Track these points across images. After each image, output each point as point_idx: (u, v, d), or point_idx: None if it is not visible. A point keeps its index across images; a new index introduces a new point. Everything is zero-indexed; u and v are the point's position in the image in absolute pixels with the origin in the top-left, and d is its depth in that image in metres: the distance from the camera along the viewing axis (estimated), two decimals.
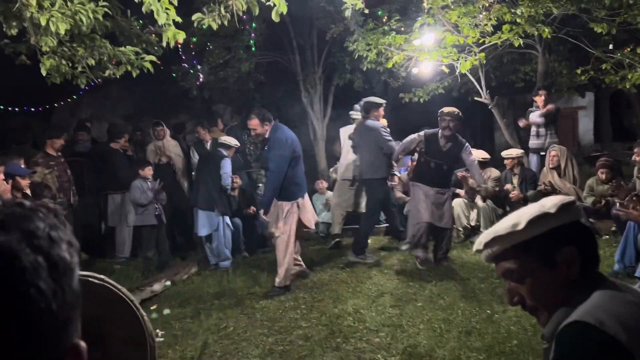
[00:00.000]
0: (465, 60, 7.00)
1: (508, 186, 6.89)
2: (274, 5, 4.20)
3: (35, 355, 0.45)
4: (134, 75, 4.80)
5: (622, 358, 1.03)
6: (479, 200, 6.73)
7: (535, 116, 7.44)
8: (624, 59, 7.07)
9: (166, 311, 4.97)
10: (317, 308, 4.78)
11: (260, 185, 7.95)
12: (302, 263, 5.66)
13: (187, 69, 9.85)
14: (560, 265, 1.23)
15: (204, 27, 4.57)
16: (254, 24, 9.12)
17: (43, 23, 3.89)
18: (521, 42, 6.83)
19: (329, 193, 7.73)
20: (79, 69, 4.67)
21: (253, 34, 9.43)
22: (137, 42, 5.14)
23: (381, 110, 6.42)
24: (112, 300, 1.38)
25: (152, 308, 5.12)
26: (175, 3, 4.15)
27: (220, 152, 6.50)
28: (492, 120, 12.07)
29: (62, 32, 3.96)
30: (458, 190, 6.84)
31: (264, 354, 3.96)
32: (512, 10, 6.50)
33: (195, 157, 7.56)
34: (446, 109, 5.61)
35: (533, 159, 7.44)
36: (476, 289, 4.93)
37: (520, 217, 1.27)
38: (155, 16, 4.04)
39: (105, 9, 4.30)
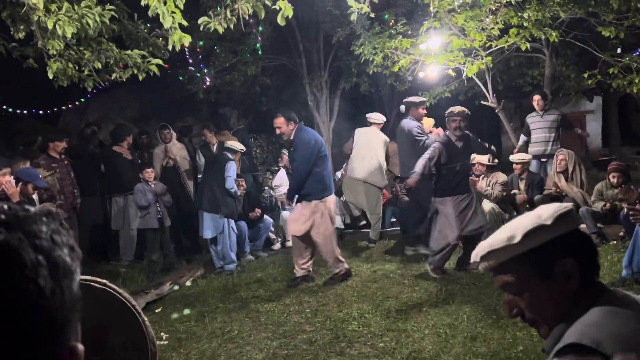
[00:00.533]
0: (472, 64, 6.97)
1: (515, 191, 6.86)
2: (280, 9, 4.20)
3: (30, 352, 0.45)
4: (141, 78, 4.81)
5: None
6: (485, 205, 6.69)
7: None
8: (632, 62, 7.02)
9: (186, 311, 5.01)
10: (322, 312, 4.77)
11: (266, 188, 7.96)
12: (310, 268, 5.66)
13: (194, 73, 9.89)
14: (559, 277, 1.20)
15: (210, 30, 4.58)
16: (260, 28, 9.14)
17: (50, 26, 3.91)
18: (528, 46, 6.80)
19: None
20: (86, 72, 4.70)
21: (259, 38, 9.45)
22: (143, 45, 5.16)
23: (421, 109, 6.53)
24: (114, 305, 1.37)
25: (157, 311, 5.13)
26: (182, 7, 4.17)
27: (226, 155, 6.51)
28: (498, 124, 12.04)
29: (69, 35, 3.98)
30: None
31: (268, 357, 3.95)
32: (519, 14, 6.47)
33: (201, 160, 7.58)
34: (455, 109, 5.62)
35: (533, 164, 7.39)
36: (482, 294, 4.90)
37: (515, 230, 1.24)
38: (161, 20, 4.06)
39: (112, 13, 4.32)
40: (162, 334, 4.40)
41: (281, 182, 7.77)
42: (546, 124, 7.29)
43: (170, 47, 4.35)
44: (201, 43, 8.74)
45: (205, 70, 9.70)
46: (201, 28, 4.53)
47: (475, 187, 6.64)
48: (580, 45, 7.79)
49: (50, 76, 4.43)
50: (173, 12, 4.05)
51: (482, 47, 7.04)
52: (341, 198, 7.62)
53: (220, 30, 4.49)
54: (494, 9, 6.63)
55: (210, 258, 6.52)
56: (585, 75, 7.71)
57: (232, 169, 6.36)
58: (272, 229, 7.43)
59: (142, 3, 4.03)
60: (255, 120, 12.57)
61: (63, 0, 4.10)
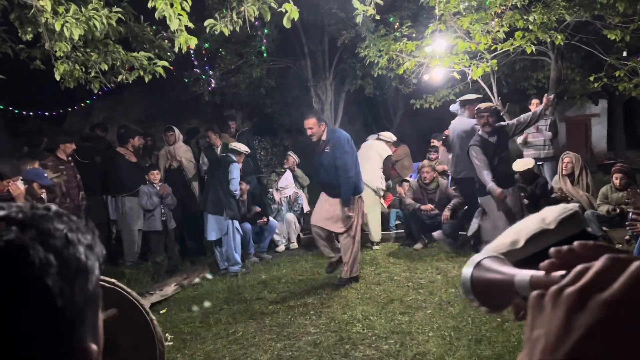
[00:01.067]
0: (477, 67, 6.97)
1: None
2: (286, 11, 4.22)
3: (37, 351, 0.46)
4: (147, 80, 4.84)
5: None
6: None
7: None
8: (638, 66, 7.00)
9: (194, 307, 5.04)
10: (326, 314, 4.77)
11: (271, 190, 7.97)
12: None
13: (199, 75, 9.92)
14: None
15: (216, 33, 4.60)
16: (265, 30, 9.17)
17: (57, 28, 3.94)
18: (533, 49, 6.79)
19: None
20: (92, 73, 4.72)
21: (265, 40, 9.48)
22: (149, 47, 5.19)
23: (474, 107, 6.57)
24: (123, 304, 1.38)
25: (161, 312, 5.14)
26: (188, 9, 4.19)
27: (230, 157, 6.52)
28: None
29: (76, 37, 4.00)
30: None
31: (272, 359, 3.95)
32: (525, 17, 6.47)
33: (205, 162, 7.60)
34: (482, 105, 5.69)
35: None
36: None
37: (519, 234, 1.23)
38: (168, 22, 4.08)
39: (119, 15, 4.35)
40: (167, 334, 4.41)
41: (287, 183, 7.78)
42: (542, 128, 7.34)
43: (176, 49, 4.38)
44: (207, 45, 8.77)
45: (211, 73, 9.74)
46: (207, 30, 4.54)
47: None
48: (586, 48, 7.77)
49: (57, 78, 4.46)
50: (179, 14, 4.08)
51: (487, 50, 7.04)
52: None
53: (226, 32, 4.51)
54: (499, 11, 6.63)
55: (214, 260, 6.53)
56: (592, 78, 7.70)
57: (235, 171, 6.37)
58: (277, 230, 7.44)
59: (149, 5, 4.06)
60: (260, 123, 12.60)
61: (70, 2, 4.13)
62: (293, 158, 8.35)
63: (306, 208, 8.10)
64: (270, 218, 7.38)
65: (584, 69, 9.36)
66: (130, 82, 4.92)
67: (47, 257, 0.47)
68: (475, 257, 0.70)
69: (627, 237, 5.79)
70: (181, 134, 7.64)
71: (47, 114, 10.80)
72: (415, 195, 7.13)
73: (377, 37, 8.13)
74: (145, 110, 12.34)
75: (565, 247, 0.55)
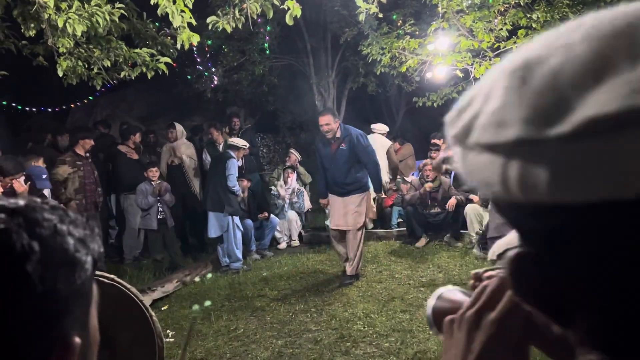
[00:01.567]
0: (480, 65, 6.95)
1: None
2: (288, 8, 4.21)
3: (12, 340, 0.45)
4: (149, 76, 4.85)
5: None
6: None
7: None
8: None
9: (195, 307, 5.04)
10: (327, 312, 4.78)
11: (273, 187, 7.97)
12: None
13: (202, 72, 9.93)
14: None
15: (219, 30, 4.60)
16: (268, 27, 9.16)
17: (60, 25, 3.95)
18: None
19: None
20: (95, 70, 4.73)
21: (267, 37, 9.47)
22: (152, 44, 5.20)
23: None
24: (122, 300, 1.38)
25: (163, 308, 5.16)
26: (190, 6, 4.19)
27: (228, 153, 6.50)
28: None
29: (79, 33, 4.01)
30: (472, 196, 6.80)
31: (273, 356, 3.96)
32: (528, 15, 6.44)
33: (207, 159, 7.60)
34: None
35: None
36: None
37: None
38: (170, 19, 4.08)
39: (122, 11, 4.36)
40: (168, 331, 4.42)
41: (292, 181, 7.82)
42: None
43: (179, 46, 4.38)
44: (209, 42, 8.76)
45: (213, 70, 9.74)
46: (210, 27, 4.55)
47: None
48: None
49: (60, 74, 4.47)
50: (182, 11, 4.08)
51: (490, 48, 7.01)
52: None
53: (229, 29, 4.51)
54: (502, 9, 6.60)
55: (216, 256, 6.54)
56: None
57: (232, 167, 6.33)
58: (278, 227, 7.44)
59: (152, 2, 4.06)
60: (262, 120, 12.60)
61: None
62: (295, 155, 8.35)
63: (308, 205, 8.11)
64: (272, 215, 7.38)
65: None
66: (133, 78, 4.92)
67: (30, 244, 0.47)
68: (438, 290, 0.72)
69: None
70: (184, 131, 7.64)
71: (49, 110, 10.83)
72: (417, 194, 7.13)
73: (380, 35, 8.12)
74: (148, 107, 12.35)
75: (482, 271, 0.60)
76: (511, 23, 6.62)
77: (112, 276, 1.39)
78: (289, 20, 4.26)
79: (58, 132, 7.13)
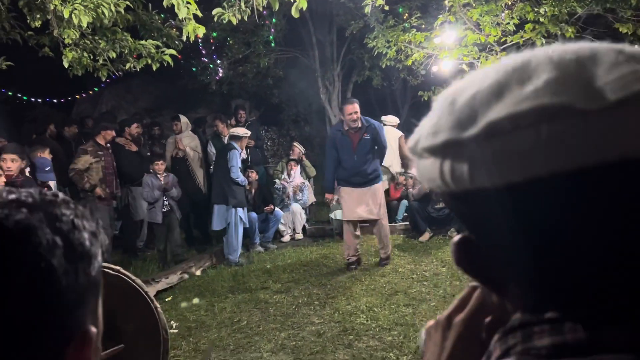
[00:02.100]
0: (487, 59, 6.91)
1: None
2: (294, 0, 4.19)
3: (39, 332, 0.47)
4: (154, 68, 4.84)
5: None
6: None
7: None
8: None
9: (195, 300, 5.08)
10: (330, 305, 4.79)
11: (277, 180, 7.98)
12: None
13: (207, 64, 9.91)
14: None
15: (224, 22, 4.59)
16: (274, 19, 9.13)
17: (66, 15, 3.95)
18: (544, 42, 6.72)
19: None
20: (100, 61, 4.73)
21: (273, 30, 9.44)
22: (157, 35, 5.19)
23: None
24: (127, 292, 1.39)
25: (167, 299, 5.18)
26: None
27: (231, 144, 6.48)
28: None
29: (85, 24, 4.01)
30: None
31: (276, 348, 3.98)
32: (536, 9, 6.39)
33: (212, 151, 7.61)
34: None
35: None
36: None
37: None
38: (176, 10, 4.08)
39: (127, 3, 4.35)
40: (172, 322, 4.45)
41: (296, 174, 7.83)
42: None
43: (184, 38, 4.37)
44: (214, 34, 8.74)
45: (218, 62, 9.72)
46: (215, 19, 4.54)
47: None
48: (597, 42, 7.67)
49: (66, 65, 4.47)
50: (188, 2, 4.07)
51: (497, 42, 6.97)
52: None
53: (234, 21, 4.50)
54: (509, 3, 6.55)
55: (220, 249, 6.56)
56: None
57: (234, 158, 6.30)
58: (282, 220, 7.45)
59: None
60: (267, 113, 12.59)
61: None
62: (299, 149, 8.34)
63: (311, 199, 8.11)
64: (276, 208, 7.38)
65: None
66: (138, 70, 4.92)
67: (54, 239, 0.48)
68: (430, 323, 0.79)
69: None
70: (189, 123, 7.63)
71: (55, 101, 10.86)
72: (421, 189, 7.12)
73: (386, 28, 8.07)
74: (153, 99, 12.36)
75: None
76: (518, 17, 6.56)
77: (117, 268, 1.39)
78: (294, 13, 4.24)
79: (65, 123, 7.14)
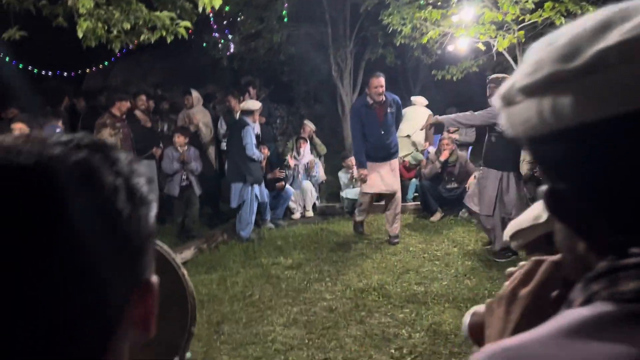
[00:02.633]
0: (504, 38, 6.78)
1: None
2: None
3: (108, 278, 0.44)
4: (169, 40, 4.79)
5: None
6: None
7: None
8: None
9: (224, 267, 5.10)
10: (342, 281, 4.80)
11: (287, 157, 7.94)
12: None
13: (217, 39, 9.80)
14: None
15: None
16: None
17: None
18: (563, 21, 6.58)
19: (355, 169, 7.69)
20: (115, 32, 4.68)
21: (286, 4, 9.30)
22: (171, 7, 5.12)
23: None
24: (156, 258, 1.38)
25: None
26: None
27: (242, 120, 6.41)
28: None
29: None
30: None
31: (289, 322, 4.00)
32: None
33: (223, 127, 7.57)
34: (493, 76, 5.52)
35: None
36: (503, 270, 4.87)
37: (543, 209, 1.21)
38: None
39: None
40: None
41: (305, 152, 7.79)
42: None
43: (200, 10, 4.30)
44: (227, 8, 8.63)
45: (230, 37, 9.62)
46: None
47: None
48: None
49: (80, 35, 4.42)
50: None
51: (514, 21, 6.82)
52: None
53: None
54: None
55: (231, 225, 6.57)
56: None
57: (249, 135, 6.24)
58: (293, 198, 7.45)
59: None
60: (276, 90, 12.49)
61: None
62: (309, 126, 8.29)
63: (322, 177, 8.09)
64: (287, 185, 7.37)
65: None
66: (152, 42, 4.87)
67: (116, 182, 0.45)
68: (472, 309, 0.82)
69: None
70: (201, 98, 7.58)
71: (65, 74, 10.81)
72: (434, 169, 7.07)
73: (402, 5, 7.92)
74: (163, 74, 12.30)
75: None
76: None
77: None
78: None
79: (75, 97, 7.10)
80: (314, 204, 7.71)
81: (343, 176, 7.74)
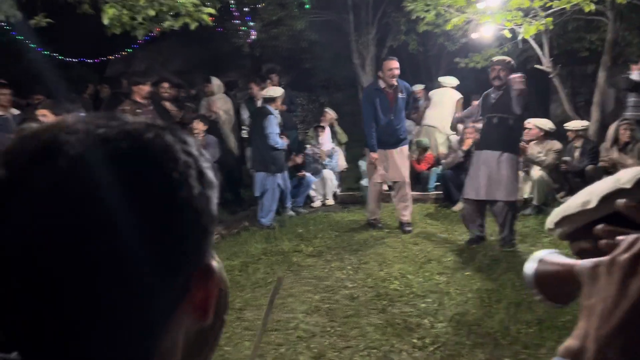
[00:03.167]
0: (530, 25, 6.64)
1: (566, 158, 6.65)
2: None
3: (174, 255, 0.44)
4: (192, 27, 4.79)
5: None
6: (534, 173, 6.51)
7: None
8: None
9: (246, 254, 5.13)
10: (363, 270, 4.80)
11: (308, 146, 7.93)
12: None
13: (238, 27, 9.79)
14: None
15: None
16: None
17: None
18: (592, 8, 6.40)
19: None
20: (139, 19, 4.70)
21: None
22: None
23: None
24: None
25: None
26: None
27: (265, 108, 6.39)
28: (548, 90, 11.52)
29: None
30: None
31: (311, 310, 4.01)
32: None
33: (245, 115, 7.58)
34: (496, 58, 5.39)
35: None
36: (526, 260, 4.81)
37: (592, 194, 1.16)
38: None
39: None
40: None
41: (326, 140, 7.76)
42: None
43: None
44: None
45: (252, 24, 9.60)
46: None
47: (526, 153, 6.40)
48: None
49: (105, 22, 4.45)
50: None
51: (541, 8, 6.67)
52: None
53: None
54: None
55: (253, 211, 6.60)
56: None
57: (270, 125, 6.21)
58: (314, 186, 7.44)
59: None
60: (296, 78, 12.46)
61: None
62: (330, 114, 8.25)
63: (343, 165, 8.07)
64: (307, 173, 7.36)
65: None
66: (176, 28, 4.88)
67: (187, 160, 0.45)
68: (538, 253, 0.73)
69: None
70: (222, 85, 7.59)
71: (89, 61, 10.94)
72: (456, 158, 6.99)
73: None
74: (184, 61, 12.36)
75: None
76: None
77: None
78: None
79: (99, 83, 7.18)
80: (335, 192, 7.70)
81: (363, 164, 7.71)
